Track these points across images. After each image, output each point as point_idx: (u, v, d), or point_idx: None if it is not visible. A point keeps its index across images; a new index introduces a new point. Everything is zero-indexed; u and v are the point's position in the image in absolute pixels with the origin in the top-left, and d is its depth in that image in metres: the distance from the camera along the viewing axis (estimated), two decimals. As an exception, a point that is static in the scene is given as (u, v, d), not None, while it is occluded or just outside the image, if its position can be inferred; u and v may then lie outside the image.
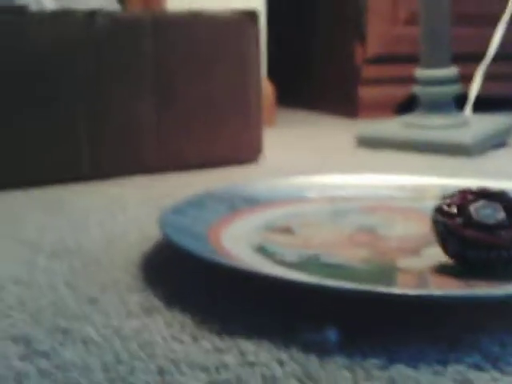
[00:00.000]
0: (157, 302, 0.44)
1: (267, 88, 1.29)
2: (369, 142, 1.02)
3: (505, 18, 1.12)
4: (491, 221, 0.45)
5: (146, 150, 0.85)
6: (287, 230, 0.57)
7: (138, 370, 0.35)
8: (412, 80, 1.03)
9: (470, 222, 0.45)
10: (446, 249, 0.47)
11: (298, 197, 0.65)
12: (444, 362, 0.36)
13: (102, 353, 0.37)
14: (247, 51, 0.89)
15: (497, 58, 1.15)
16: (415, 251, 0.51)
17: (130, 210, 0.68)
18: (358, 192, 0.66)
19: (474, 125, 1.01)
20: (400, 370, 0.35)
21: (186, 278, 0.49)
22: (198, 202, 0.59)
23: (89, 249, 0.56)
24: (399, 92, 1.34)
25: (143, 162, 0.84)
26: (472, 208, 0.46)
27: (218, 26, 0.87)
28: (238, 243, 0.52)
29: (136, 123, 0.84)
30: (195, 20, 0.86)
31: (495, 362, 0.36)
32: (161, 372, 0.35)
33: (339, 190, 0.66)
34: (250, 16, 0.89)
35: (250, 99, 0.90)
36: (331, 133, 1.18)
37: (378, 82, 1.37)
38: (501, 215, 0.45)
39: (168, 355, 0.37)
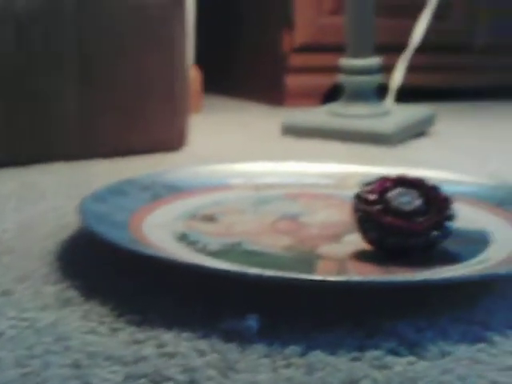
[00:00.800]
0: (74, 294, 0.43)
1: (194, 74, 1.28)
2: (294, 130, 1.02)
3: (427, 10, 1.15)
4: (408, 208, 0.46)
5: (68, 137, 0.82)
6: (210, 218, 0.56)
7: (52, 365, 0.34)
8: (337, 69, 1.05)
9: (388, 209, 0.46)
10: (365, 235, 0.47)
11: (222, 184, 0.64)
12: (362, 348, 0.36)
13: (15, 347, 0.36)
14: (173, 36, 0.88)
15: (419, 49, 1.18)
16: (336, 238, 0.51)
17: (48, 197, 0.66)
18: (282, 179, 0.66)
19: (396, 114, 1.03)
20: (319, 357, 0.35)
21: (105, 268, 0.47)
22: (119, 190, 0.58)
23: (3, 238, 0.54)
24: (325, 81, 1.35)
25: (65, 149, 0.82)
26: (390, 195, 0.47)
27: (144, 9, 0.85)
28: (159, 232, 0.52)
29: (57, 109, 0.81)
30: (119, 3, 0.84)
31: (412, 347, 0.37)
32: (76, 366, 0.34)
33: (263, 177, 0.66)
34: (176, 1, 0.88)
35: (176, 85, 0.89)
36: (257, 120, 1.18)
37: (304, 70, 1.37)
38: (418, 202, 0.46)
39: (84, 348, 0.36)
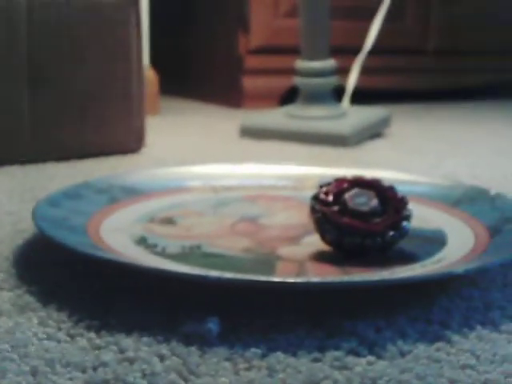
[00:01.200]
0: (31, 300, 0.42)
1: (150, 76, 1.27)
2: (252, 132, 1.02)
3: (381, 12, 1.17)
4: (365, 208, 0.47)
5: (19, 139, 0.81)
6: (169, 221, 0.56)
7: (9, 372, 0.33)
8: (294, 71, 1.05)
9: (345, 209, 0.47)
10: (323, 236, 0.48)
11: (180, 187, 0.64)
12: (322, 349, 0.37)
13: (-30, 356, 0.35)
14: (128, 37, 0.87)
15: (373, 52, 1.19)
16: (295, 240, 0.51)
17: (2, 202, 0.65)
18: (241, 181, 0.66)
19: (352, 116, 1.04)
20: (279, 358, 0.35)
21: (63, 273, 0.47)
22: (75, 193, 0.57)
23: (-44, 245, 0.52)
24: (282, 83, 1.36)
25: (17, 152, 0.81)
26: (347, 196, 0.47)
27: (97, 9, 0.84)
28: (118, 235, 0.51)
29: (7, 110, 0.80)
30: (72, 2, 0.83)
31: (371, 347, 0.37)
32: (34, 373, 0.34)
33: (221, 179, 0.66)
34: (131, 1, 0.87)
35: (132, 87, 0.88)
36: (215, 122, 1.18)
37: (261, 72, 1.38)
38: (374, 203, 0.47)
39: (42, 355, 0.35)
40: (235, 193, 0.64)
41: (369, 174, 0.64)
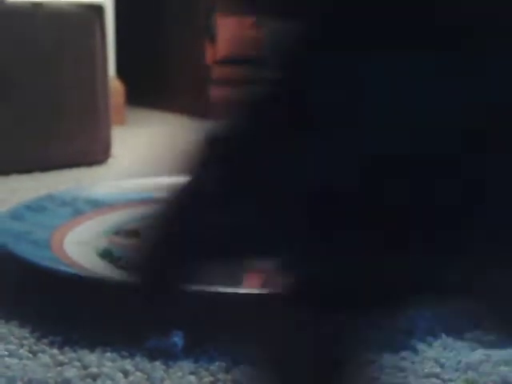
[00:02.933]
0: (-8, 316, 0.41)
1: (116, 87, 1.26)
2: (219, 142, 1.02)
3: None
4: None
5: (-16, 152, 0.79)
6: (135, 234, 0.55)
7: (-32, 392, 0.33)
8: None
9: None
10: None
11: (146, 198, 0.63)
12: (288, 360, 0.36)
13: None
14: (92, 47, 0.86)
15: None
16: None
17: (-36, 216, 0.63)
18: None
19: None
20: (244, 371, 0.35)
21: (25, 289, 0.46)
22: (38, 206, 0.56)
23: None
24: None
25: (-20, 165, 0.79)
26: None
27: (61, 19, 0.84)
28: (82, 249, 0.50)
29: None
30: (36, 12, 0.82)
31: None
32: (-6, 392, 0.33)
33: None
34: (96, 10, 0.86)
35: (97, 97, 0.87)
36: (182, 133, 1.17)
37: (228, 83, 1.38)
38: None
39: (4, 372, 0.35)
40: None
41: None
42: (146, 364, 0.35)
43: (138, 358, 0.36)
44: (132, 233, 0.55)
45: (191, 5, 1.40)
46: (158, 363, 0.36)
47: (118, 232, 0.55)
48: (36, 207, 0.56)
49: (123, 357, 0.36)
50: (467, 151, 0.13)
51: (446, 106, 0.13)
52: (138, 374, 0.35)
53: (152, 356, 0.36)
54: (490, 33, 0.13)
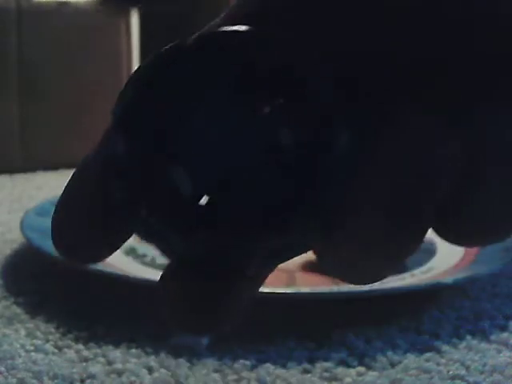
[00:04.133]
0: (19, 311, 0.42)
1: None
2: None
3: None
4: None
5: (9, 150, 0.80)
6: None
7: (-5, 385, 0.33)
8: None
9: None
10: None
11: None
12: (312, 360, 0.36)
13: (-44, 368, 0.35)
14: (118, 47, 0.87)
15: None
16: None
17: (-9, 212, 0.64)
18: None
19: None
20: (269, 370, 0.35)
21: (51, 284, 0.46)
22: None
23: None
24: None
25: (6, 162, 0.80)
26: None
27: (86, 18, 0.84)
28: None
29: (-2, 121, 0.79)
30: (61, 10, 0.83)
31: (361, 358, 0.37)
32: (21, 386, 0.33)
33: None
34: (122, 12, 0.87)
35: (122, 97, 0.88)
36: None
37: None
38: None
39: (30, 367, 0.35)
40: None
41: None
42: (170, 361, 0.36)
43: (162, 355, 0.36)
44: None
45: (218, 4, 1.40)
46: (182, 360, 0.36)
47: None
48: None
49: (148, 353, 0.36)
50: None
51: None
52: (163, 370, 0.35)
53: (176, 353, 0.36)
54: None
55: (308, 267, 0.47)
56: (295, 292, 0.40)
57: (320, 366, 0.36)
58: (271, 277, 0.48)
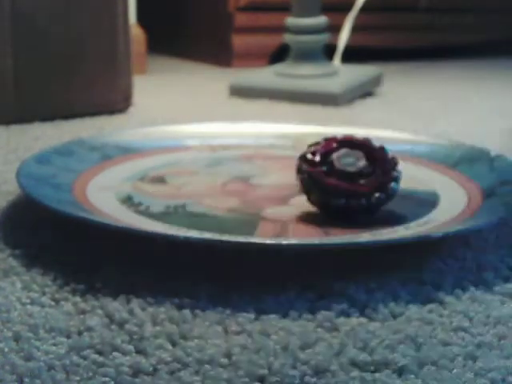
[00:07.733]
0: (15, 264, 0.41)
1: (137, 34, 1.24)
2: (241, 91, 1.00)
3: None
4: (352, 169, 0.45)
5: (3, 100, 0.79)
6: (159, 180, 0.55)
7: (-8, 338, 0.33)
8: (284, 29, 1.03)
9: (332, 170, 0.45)
10: (309, 198, 0.47)
11: (177, 145, 0.62)
12: (313, 310, 0.36)
13: (-49, 321, 0.34)
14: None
15: (365, 9, 1.17)
16: (283, 200, 0.50)
17: (-14, 164, 0.63)
18: (239, 140, 0.64)
19: (343, 74, 1.02)
20: (271, 321, 0.35)
21: (47, 236, 0.45)
22: (67, 150, 0.56)
23: None
24: (272, 41, 1.33)
25: (2, 113, 0.78)
26: (334, 156, 0.46)
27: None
28: (103, 194, 0.50)
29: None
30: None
31: (362, 309, 0.36)
32: (17, 338, 0.33)
33: (219, 138, 0.64)
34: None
35: (118, 45, 0.86)
36: (204, 82, 1.16)
37: (251, 30, 1.35)
38: (362, 163, 0.46)
39: (26, 320, 0.34)
40: (233, 152, 0.62)
41: (368, 133, 0.63)
42: (173, 313, 0.35)
43: (162, 307, 0.36)
44: (157, 179, 0.55)
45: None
46: (183, 312, 0.35)
47: (142, 178, 0.55)
48: (64, 151, 0.56)
49: (147, 305, 0.36)
50: None
51: None
52: (164, 322, 0.34)
53: (178, 306, 0.36)
54: None
55: (303, 218, 0.46)
56: (278, 243, 0.39)
57: (321, 315, 0.35)
58: (263, 228, 0.47)
